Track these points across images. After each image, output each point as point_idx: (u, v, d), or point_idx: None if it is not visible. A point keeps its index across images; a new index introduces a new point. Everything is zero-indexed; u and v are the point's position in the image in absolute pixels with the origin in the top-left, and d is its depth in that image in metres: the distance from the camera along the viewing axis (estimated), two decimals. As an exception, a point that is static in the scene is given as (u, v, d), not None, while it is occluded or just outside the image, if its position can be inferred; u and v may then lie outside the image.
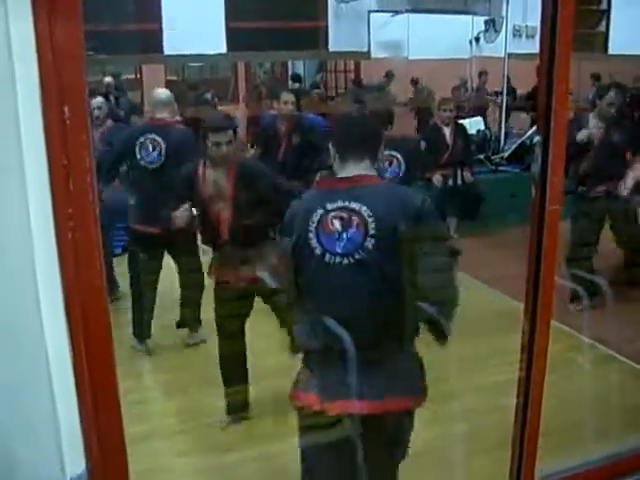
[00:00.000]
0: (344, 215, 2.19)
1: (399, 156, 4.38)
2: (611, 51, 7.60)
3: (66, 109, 1.48)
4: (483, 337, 4.26)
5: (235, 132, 3.60)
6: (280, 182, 3.67)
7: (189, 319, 4.69)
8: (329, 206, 2.22)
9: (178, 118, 4.68)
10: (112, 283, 4.98)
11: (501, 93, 9.04)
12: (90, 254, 1.56)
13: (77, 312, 1.58)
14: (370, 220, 2.16)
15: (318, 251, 2.21)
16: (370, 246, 2.16)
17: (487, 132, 8.49)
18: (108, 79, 9.41)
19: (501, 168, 7.85)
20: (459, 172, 6.59)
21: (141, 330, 4.55)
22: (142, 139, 4.35)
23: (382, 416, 2.22)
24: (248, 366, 3.77)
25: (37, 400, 1.58)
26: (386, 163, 4.20)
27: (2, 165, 1.45)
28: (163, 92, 4.65)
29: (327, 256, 2.20)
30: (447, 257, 2.26)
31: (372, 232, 2.16)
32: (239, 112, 10.59)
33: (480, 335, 4.23)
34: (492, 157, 8.03)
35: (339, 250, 2.18)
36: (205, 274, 3.96)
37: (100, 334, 1.63)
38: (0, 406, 1.57)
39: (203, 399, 3.88)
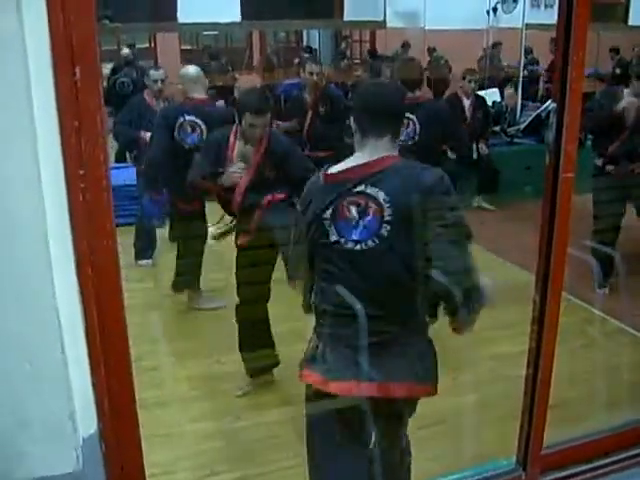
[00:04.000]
0: (361, 202, 2.10)
1: (415, 119, 4.33)
2: (632, 22, 7.45)
3: (77, 70, 1.47)
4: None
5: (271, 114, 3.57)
6: (307, 163, 3.61)
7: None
8: (345, 191, 2.12)
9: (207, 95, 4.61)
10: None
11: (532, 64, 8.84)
12: (102, 215, 1.56)
13: (89, 273, 1.59)
14: (387, 206, 2.08)
15: (334, 236, 2.14)
16: (385, 233, 2.09)
17: (503, 104, 8.39)
18: (126, 50, 9.34)
19: (517, 140, 7.78)
20: (475, 145, 6.53)
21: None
22: (181, 120, 4.25)
23: (386, 399, 2.16)
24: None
25: (50, 362, 1.60)
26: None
27: (14, 126, 1.45)
28: (193, 69, 4.52)
29: (342, 241, 2.13)
30: (463, 239, 2.11)
31: (388, 218, 2.08)
32: (255, 80, 10.56)
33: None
34: (508, 129, 7.95)
35: (355, 237, 2.11)
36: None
37: (112, 295, 1.64)
38: (13, 367, 1.59)
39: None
